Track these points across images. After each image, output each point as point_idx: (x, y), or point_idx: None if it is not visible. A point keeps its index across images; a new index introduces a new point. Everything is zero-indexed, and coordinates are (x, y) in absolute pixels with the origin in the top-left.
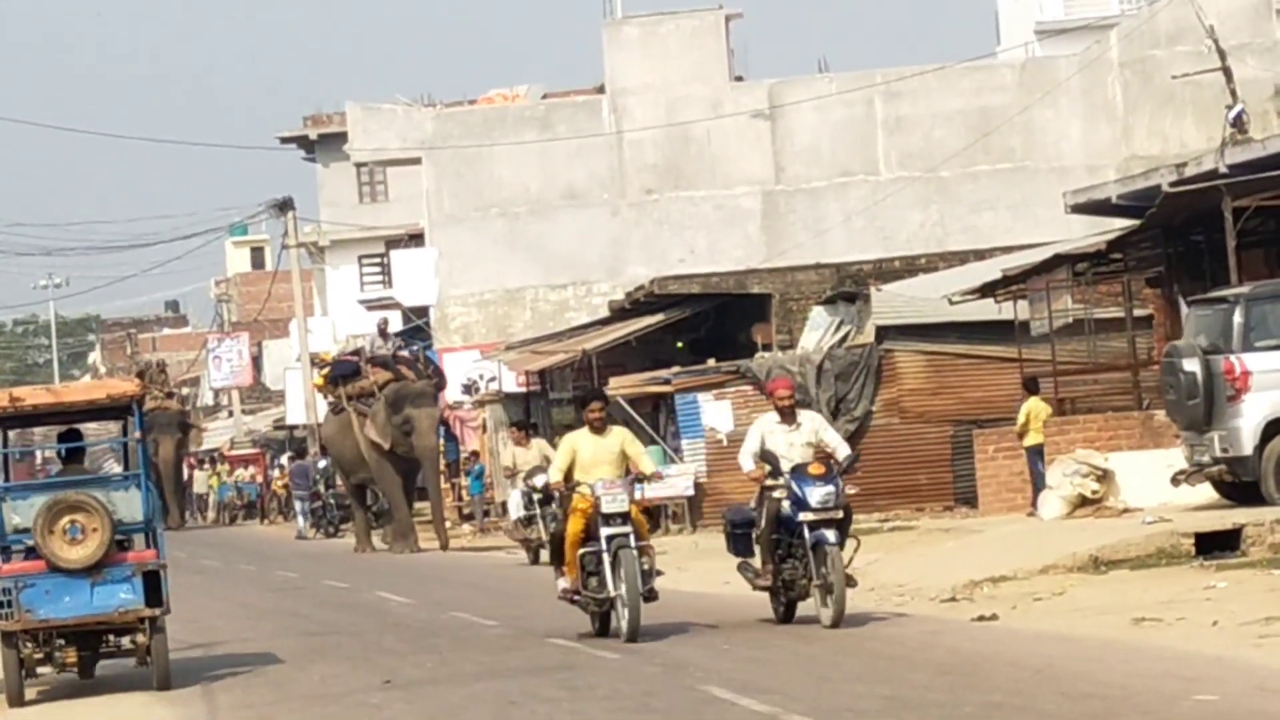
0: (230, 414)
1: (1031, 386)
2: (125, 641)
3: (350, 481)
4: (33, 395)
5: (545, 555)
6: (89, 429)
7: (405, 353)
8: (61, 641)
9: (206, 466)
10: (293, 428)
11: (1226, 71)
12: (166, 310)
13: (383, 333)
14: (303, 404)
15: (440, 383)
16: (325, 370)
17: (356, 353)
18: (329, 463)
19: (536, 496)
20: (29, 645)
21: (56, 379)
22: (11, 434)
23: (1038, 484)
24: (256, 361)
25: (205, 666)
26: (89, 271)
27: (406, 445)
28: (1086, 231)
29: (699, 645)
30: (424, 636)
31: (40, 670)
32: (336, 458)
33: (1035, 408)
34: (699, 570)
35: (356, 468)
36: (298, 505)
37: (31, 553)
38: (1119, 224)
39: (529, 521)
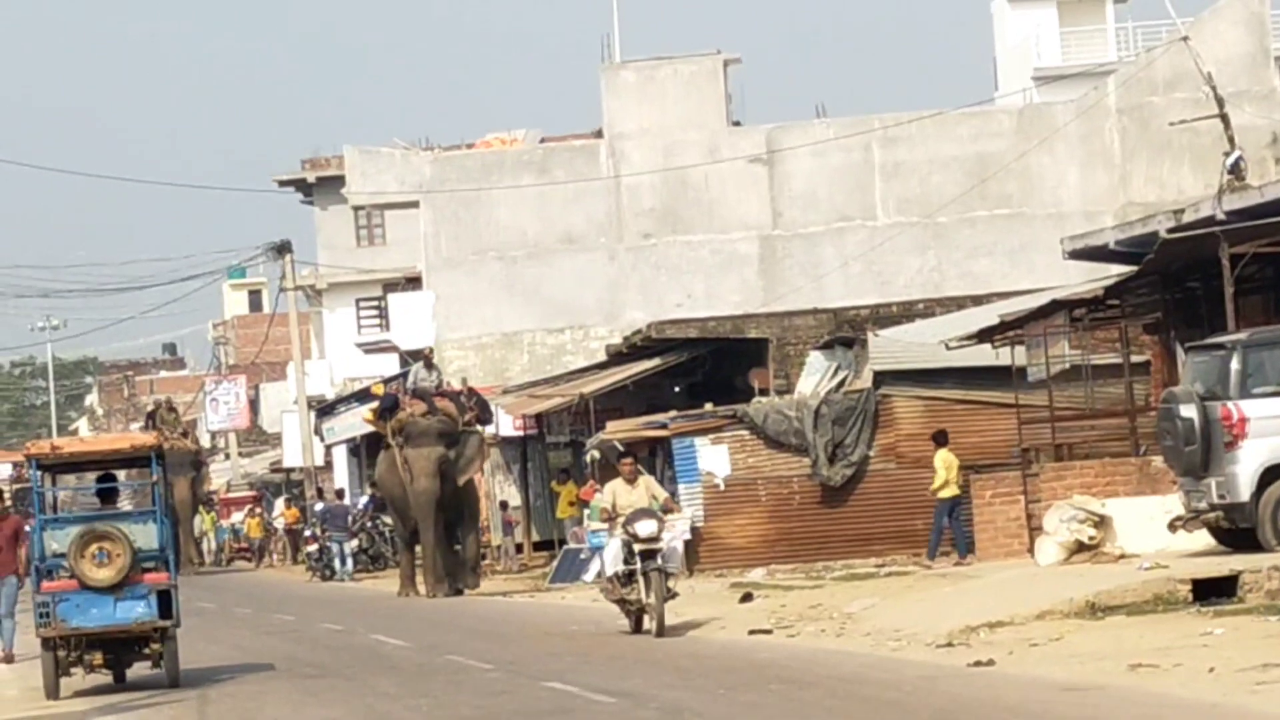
0: (227, 456)
1: (940, 439)
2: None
3: (401, 521)
4: (69, 444)
5: (649, 622)
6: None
7: (453, 385)
8: (90, 647)
9: (202, 509)
10: (289, 470)
11: (1224, 118)
12: (164, 353)
13: (428, 363)
14: (300, 446)
15: (483, 417)
16: (374, 405)
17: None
18: (368, 501)
19: (639, 548)
20: (63, 649)
21: (54, 421)
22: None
23: (935, 537)
24: (254, 404)
25: (201, 708)
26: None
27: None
28: (1084, 278)
29: (695, 690)
30: (418, 679)
31: (73, 671)
32: (388, 497)
33: (948, 460)
34: (699, 613)
35: (408, 506)
36: (334, 548)
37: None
38: (1116, 270)
39: (629, 578)
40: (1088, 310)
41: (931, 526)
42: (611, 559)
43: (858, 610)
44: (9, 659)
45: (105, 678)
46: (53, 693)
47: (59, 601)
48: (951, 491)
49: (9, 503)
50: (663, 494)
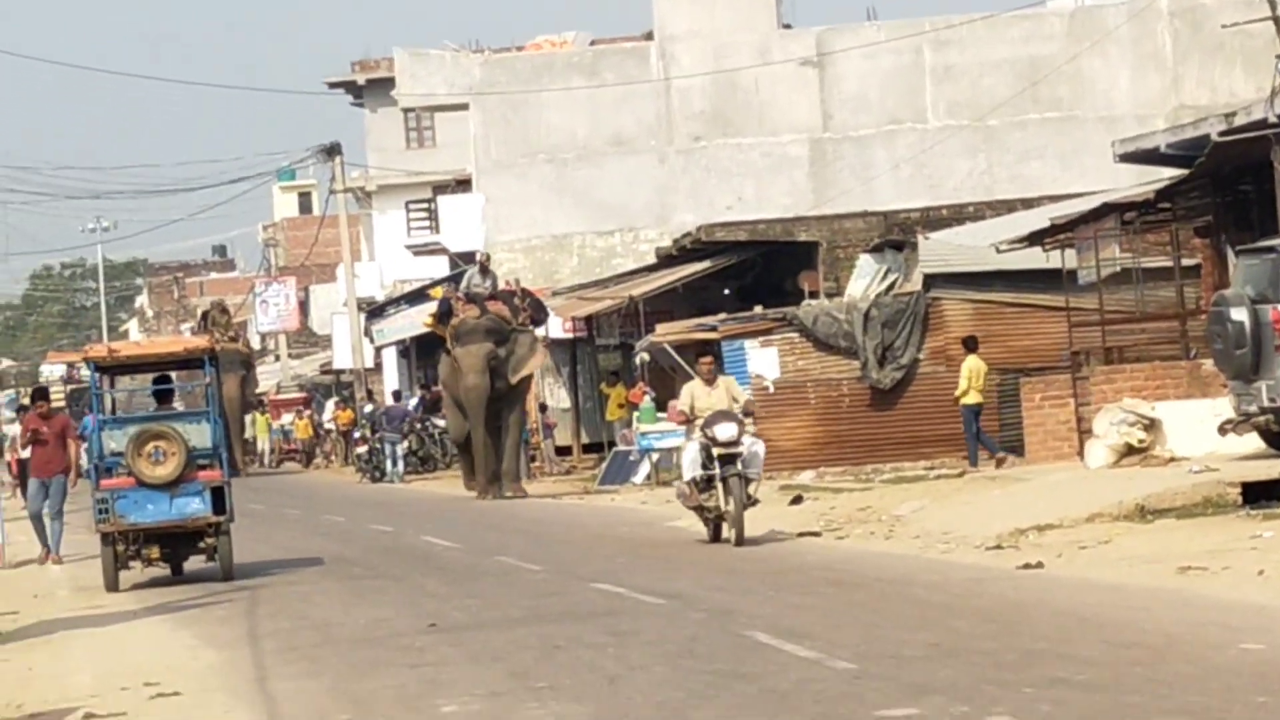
0: (277, 358)
1: (970, 345)
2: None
3: (464, 424)
4: (125, 348)
5: (728, 531)
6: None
7: (508, 286)
8: (147, 542)
9: (255, 412)
10: (339, 372)
11: (1277, 21)
12: (214, 254)
13: (483, 268)
14: (349, 348)
15: (537, 318)
16: (433, 310)
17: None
18: (417, 403)
19: (718, 453)
20: (121, 544)
21: (104, 323)
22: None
23: (972, 443)
24: (303, 306)
25: (251, 609)
26: (136, 215)
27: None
28: (1134, 181)
29: (745, 592)
30: (467, 580)
31: (131, 565)
32: (451, 400)
33: (975, 366)
34: (749, 517)
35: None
36: (386, 449)
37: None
38: (1167, 174)
39: (707, 484)
40: (1139, 213)
41: (964, 436)
42: (689, 463)
43: (906, 513)
44: (58, 561)
45: (162, 571)
46: (112, 586)
47: (117, 498)
48: (975, 399)
49: (62, 402)
50: (743, 395)
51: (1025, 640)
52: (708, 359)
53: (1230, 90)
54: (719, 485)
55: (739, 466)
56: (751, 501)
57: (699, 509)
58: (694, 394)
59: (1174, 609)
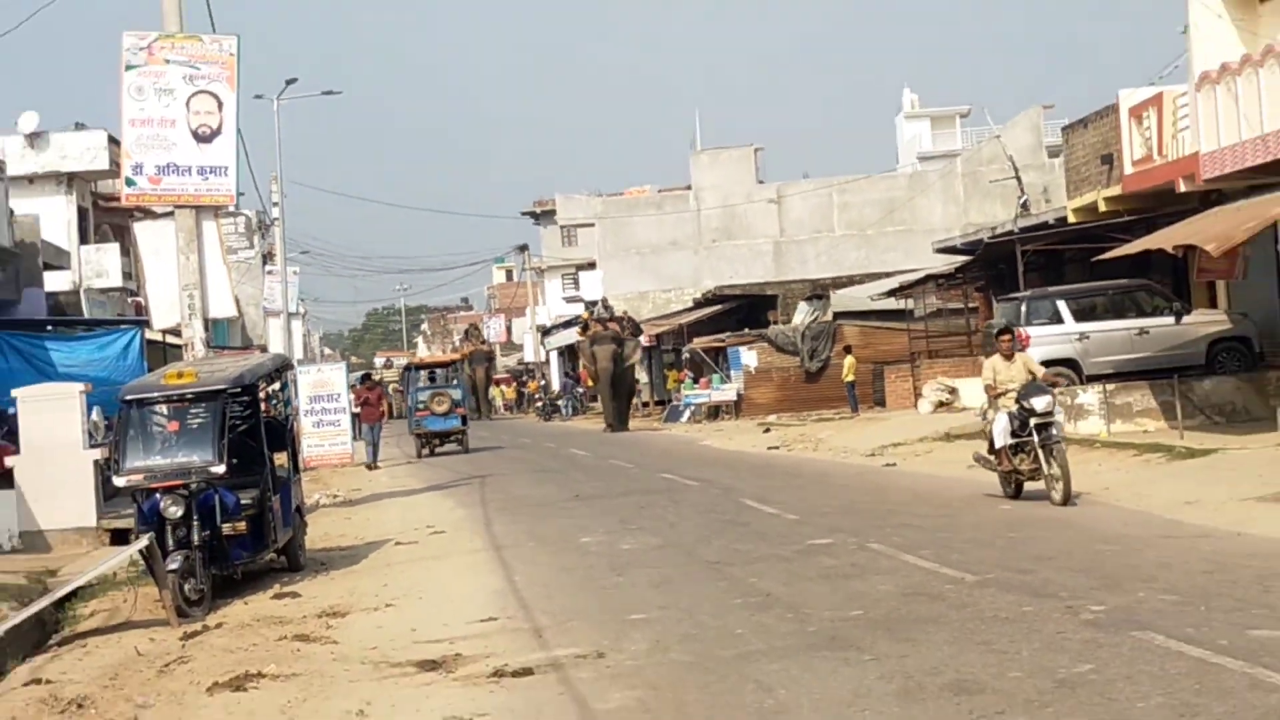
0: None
1: (848, 350)
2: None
3: (598, 389)
4: (423, 358)
5: (1032, 486)
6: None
7: (619, 313)
8: (432, 437)
9: (494, 386)
10: (527, 364)
11: (1018, 179)
12: (461, 302)
13: (605, 305)
14: (533, 352)
15: (637, 330)
16: (579, 329)
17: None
18: (566, 380)
19: (1035, 422)
20: (423, 438)
21: (404, 340)
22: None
23: (852, 402)
24: (509, 328)
25: (480, 488)
26: (420, 280)
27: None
28: (944, 263)
29: (739, 478)
30: (594, 472)
31: (423, 452)
32: (591, 376)
33: (851, 362)
34: (742, 440)
35: (598, 380)
36: (561, 404)
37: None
38: (961, 259)
39: (1018, 450)
40: (946, 280)
41: (847, 397)
42: (1000, 432)
43: (824, 437)
44: (376, 468)
45: (443, 453)
46: (419, 456)
47: (421, 420)
48: (851, 379)
49: (395, 380)
50: (1040, 369)
51: (889, 504)
52: (1006, 336)
53: (994, 215)
54: (1039, 450)
55: (1054, 432)
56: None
57: (1010, 472)
58: (995, 368)
59: (966, 486)
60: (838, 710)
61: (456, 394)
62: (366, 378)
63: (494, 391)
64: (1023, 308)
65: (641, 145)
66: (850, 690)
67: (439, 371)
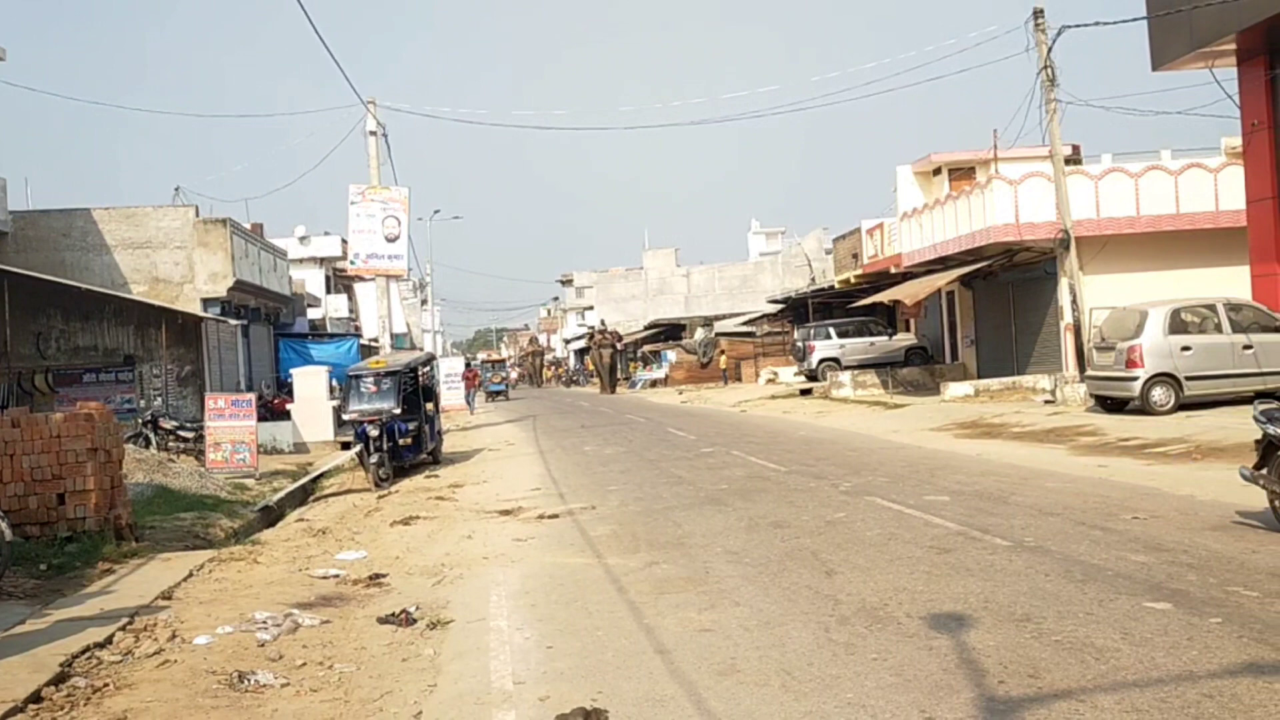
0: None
1: (723, 352)
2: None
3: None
4: (494, 356)
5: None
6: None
7: (610, 331)
8: (494, 395)
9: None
10: (559, 358)
11: (810, 265)
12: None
13: (601, 327)
14: (561, 352)
15: (618, 340)
16: (587, 344)
17: (593, 335)
18: (577, 368)
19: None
20: (489, 394)
21: (495, 347)
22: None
23: (725, 380)
24: (549, 340)
25: (537, 428)
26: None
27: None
28: (773, 308)
29: (722, 435)
30: (591, 415)
31: (489, 400)
32: (594, 365)
33: (725, 359)
34: (667, 398)
35: (601, 372)
36: (577, 379)
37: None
38: (780, 306)
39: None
40: (773, 316)
41: (721, 377)
42: None
43: (709, 397)
44: (473, 412)
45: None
46: (488, 401)
47: (489, 385)
48: (724, 367)
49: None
50: None
51: (742, 430)
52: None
53: (798, 284)
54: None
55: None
56: None
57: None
58: None
59: (780, 422)
60: (714, 534)
61: (505, 373)
62: (468, 365)
63: (546, 372)
64: (811, 331)
65: (616, 242)
66: (720, 525)
67: (495, 363)
